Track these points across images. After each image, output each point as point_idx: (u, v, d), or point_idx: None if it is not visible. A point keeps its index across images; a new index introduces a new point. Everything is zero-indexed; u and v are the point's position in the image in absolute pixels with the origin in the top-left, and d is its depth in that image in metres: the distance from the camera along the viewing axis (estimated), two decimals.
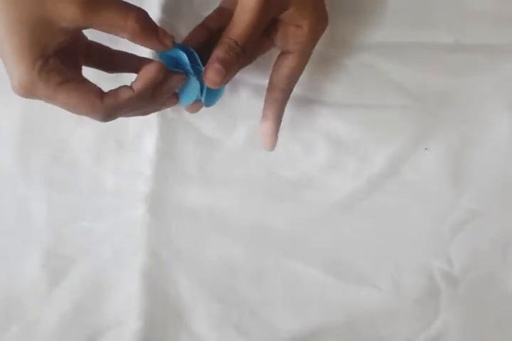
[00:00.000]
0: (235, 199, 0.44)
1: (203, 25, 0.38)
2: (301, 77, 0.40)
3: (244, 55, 0.35)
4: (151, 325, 0.43)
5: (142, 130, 0.43)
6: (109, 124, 0.41)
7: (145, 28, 0.32)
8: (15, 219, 0.43)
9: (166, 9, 0.42)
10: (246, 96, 0.43)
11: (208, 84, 0.35)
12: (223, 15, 0.37)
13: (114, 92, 0.33)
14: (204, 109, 0.40)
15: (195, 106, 0.41)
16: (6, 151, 0.43)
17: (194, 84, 0.36)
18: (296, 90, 0.42)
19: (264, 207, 0.44)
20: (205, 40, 0.38)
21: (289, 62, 0.38)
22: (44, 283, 0.43)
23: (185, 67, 0.35)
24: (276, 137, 0.40)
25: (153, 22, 0.32)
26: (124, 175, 0.43)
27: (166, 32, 0.33)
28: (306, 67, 0.39)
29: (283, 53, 0.38)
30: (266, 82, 0.42)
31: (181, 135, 0.43)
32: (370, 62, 0.44)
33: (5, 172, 0.43)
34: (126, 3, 0.32)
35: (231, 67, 0.34)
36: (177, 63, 0.36)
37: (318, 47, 0.41)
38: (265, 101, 0.39)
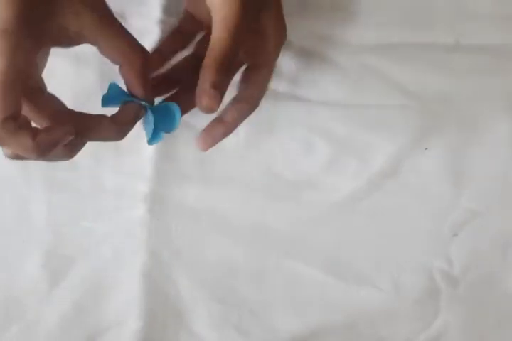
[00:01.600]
0: (235, 199, 0.44)
1: (177, 32, 0.38)
2: (301, 77, 0.40)
3: (233, 72, 0.33)
4: (151, 325, 0.43)
5: (142, 130, 0.43)
6: None
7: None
8: (15, 219, 0.43)
9: (166, 9, 0.42)
10: None
11: (203, 111, 0.32)
12: (194, 21, 0.37)
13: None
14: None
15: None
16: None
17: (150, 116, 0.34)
18: (296, 90, 0.42)
19: (264, 207, 0.44)
20: (181, 47, 0.38)
21: (256, 77, 0.36)
22: (44, 283, 0.43)
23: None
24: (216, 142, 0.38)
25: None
26: (124, 175, 0.43)
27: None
28: (306, 67, 0.39)
29: (250, 68, 0.37)
30: None
31: (181, 135, 0.43)
32: (370, 62, 0.44)
33: (5, 173, 0.43)
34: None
35: (224, 89, 0.32)
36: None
37: (318, 47, 0.41)
38: (230, 107, 0.37)
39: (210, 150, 0.43)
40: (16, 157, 0.31)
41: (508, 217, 0.44)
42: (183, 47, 0.40)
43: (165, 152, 0.43)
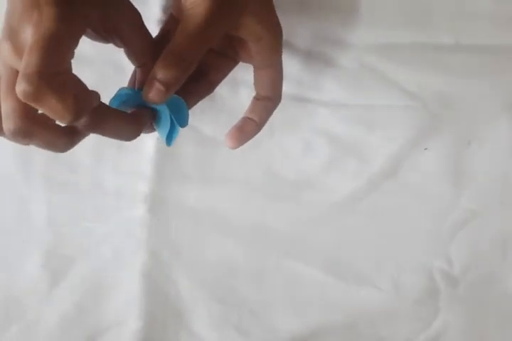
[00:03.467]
0: (235, 199, 0.44)
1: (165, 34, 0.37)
2: (301, 77, 0.40)
3: (188, 69, 0.31)
4: (151, 325, 0.43)
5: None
6: None
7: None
8: (15, 219, 0.44)
9: (166, 9, 0.42)
10: (246, 96, 0.43)
11: (147, 101, 0.32)
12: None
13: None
14: (204, 108, 0.40)
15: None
16: (6, 151, 0.43)
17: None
18: (296, 90, 0.42)
19: (264, 207, 0.44)
20: None
21: (267, 77, 0.36)
22: (44, 283, 0.43)
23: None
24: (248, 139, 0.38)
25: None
26: (124, 175, 0.43)
27: None
28: (306, 67, 0.39)
29: (256, 69, 0.37)
30: None
31: (181, 135, 0.43)
32: (370, 62, 0.44)
33: (5, 172, 0.43)
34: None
35: (174, 85, 0.31)
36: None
37: (318, 47, 0.41)
38: (253, 107, 0.37)
39: (210, 150, 0.44)
40: (19, 134, 0.30)
41: (508, 217, 0.44)
42: None
43: (165, 152, 0.43)
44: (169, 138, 0.36)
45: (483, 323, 0.44)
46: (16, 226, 0.44)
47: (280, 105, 0.43)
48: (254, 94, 0.43)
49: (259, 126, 0.37)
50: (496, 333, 0.44)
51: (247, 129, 0.37)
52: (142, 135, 0.43)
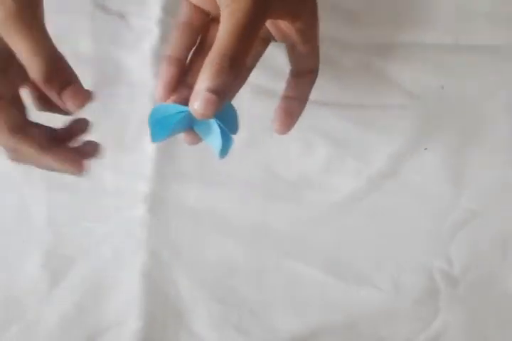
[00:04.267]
0: (235, 199, 0.44)
1: (185, 27, 0.34)
2: None
3: (240, 71, 0.28)
4: (151, 325, 0.43)
5: (142, 130, 0.43)
6: (109, 124, 0.41)
7: (49, 83, 0.29)
8: (15, 219, 0.44)
9: (166, 9, 0.42)
10: (246, 96, 0.43)
11: (195, 115, 0.27)
12: (199, 13, 0.33)
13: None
14: None
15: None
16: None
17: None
18: None
19: (264, 207, 0.44)
20: (193, 42, 0.34)
21: (307, 52, 0.34)
22: (44, 283, 0.43)
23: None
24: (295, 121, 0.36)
25: (63, 77, 0.30)
26: (124, 175, 0.43)
27: None
28: None
29: (293, 46, 0.34)
30: (266, 82, 0.42)
31: (181, 135, 0.43)
32: (370, 62, 0.44)
33: (5, 172, 0.43)
34: (50, 42, 0.29)
35: (227, 92, 0.27)
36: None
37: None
38: (294, 84, 0.36)
39: (211, 150, 0.43)
40: (20, 160, 0.31)
41: (508, 217, 0.44)
42: (195, 41, 0.35)
43: (165, 152, 0.43)
44: (224, 150, 0.32)
45: (483, 323, 0.44)
46: (16, 226, 0.44)
47: None
48: (254, 94, 0.43)
49: (304, 102, 0.35)
50: (496, 333, 0.44)
51: (293, 109, 0.35)
52: (142, 135, 0.43)
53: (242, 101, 0.43)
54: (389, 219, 0.44)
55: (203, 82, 0.27)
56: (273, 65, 0.41)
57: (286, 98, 0.35)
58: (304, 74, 0.36)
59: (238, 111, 0.42)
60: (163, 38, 0.42)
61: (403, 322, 0.44)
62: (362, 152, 0.44)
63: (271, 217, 0.44)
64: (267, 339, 0.43)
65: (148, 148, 0.43)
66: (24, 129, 0.30)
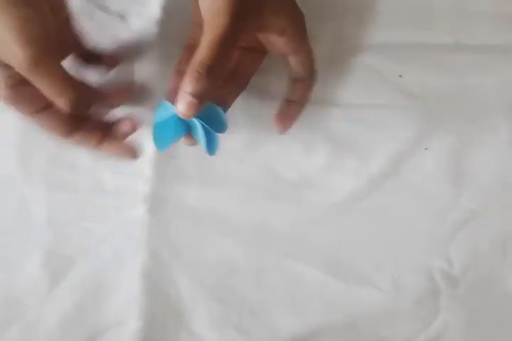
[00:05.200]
0: (235, 199, 0.44)
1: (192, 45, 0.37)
2: None
3: (217, 78, 0.32)
4: (151, 325, 0.43)
5: (142, 130, 0.43)
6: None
7: (75, 111, 0.33)
8: (15, 219, 0.44)
9: (166, 9, 0.42)
10: (246, 96, 0.43)
11: (181, 116, 0.32)
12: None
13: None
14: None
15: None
16: (6, 151, 0.44)
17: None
18: None
19: (264, 207, 0.44)
20: None
21: (298, 61, 0.39)
22: (44, 283, 0.43)
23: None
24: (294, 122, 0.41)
25: (87, 103, 0.34)
26: (124, 175, 0.43)
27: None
28: None
29: (287, 56, 0.39)
30: (265, 82, 0.42)
31: None
32: (370, 62, 0.44)
33: (5, 172, 0.43)
34: (69, 81, 0.33)
35: (204, 96, 0.32)
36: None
37: (318, 47, 0.41)
38: (293, 88, 0.40)
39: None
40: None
41: (508, 217, 0.44)
42: None
43: (165, 152, 0.43)
44: (210, 148, 0.36)
45: (483, 323, 0.44)
46: (16, 226, 0.43)
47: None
48: (253, 94, 0.43)
49: (302, 105, 0.41)
50: (495, 333, 0.44)
51: (291, 112, 0.41)
52: (142, 135, 0.43)
53: (243, 101, 0.43)
54: (389, 219, 0.44)
55: (186, 86, 0.31)
56: (273, 67, 0.41)
57: (285, 101, 0.41)
58: (300, 80, 0.40)
59: (238, 111, 0.43)
60: (163, 38, 0.42)
61: (403, 322, 0.44)
62: (362, 152, 0.44)
63: (271, 217, 0.44)
64: (267, 339, 0.43)
65: (148, 148, 0.43)
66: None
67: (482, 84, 0.44)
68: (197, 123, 0.34)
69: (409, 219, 0.44)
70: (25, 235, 0.43)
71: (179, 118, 0.33)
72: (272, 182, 0.44)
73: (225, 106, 0.38)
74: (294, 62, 0.39)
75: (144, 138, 0.43)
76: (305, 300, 0.44)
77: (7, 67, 0.32)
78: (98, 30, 0.42)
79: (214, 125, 0.35)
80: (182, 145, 0.43)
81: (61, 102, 0.33)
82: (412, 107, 0.44)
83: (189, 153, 0.43)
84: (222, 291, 0.44)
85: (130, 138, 0.41)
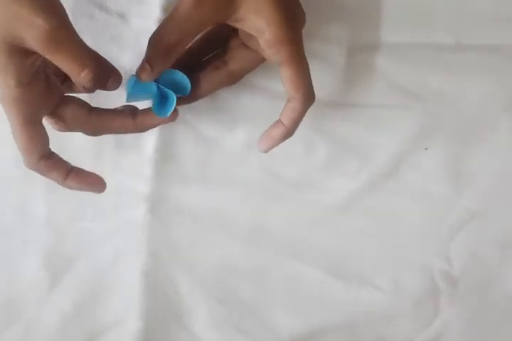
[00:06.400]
0: (235, 199, 0.44)
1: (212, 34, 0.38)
2: None
3: (172, 56, 0.35)
4: (151, 325, 0.43)
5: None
6: None
7: (96, 85, 0.33)
8: (15, 219, 0.43)
9: (166, 9, 0.42)
10: (246, 96, 0.43)
11: (140, 79, 0.35)
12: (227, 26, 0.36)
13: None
14: (204, 108, 0.40)
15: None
16: (6, 151, 0.43)
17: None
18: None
19: (264, 207, 0.44)
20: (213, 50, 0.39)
21: (284, 75, 0.35)
22: (44, 283, 0.43)
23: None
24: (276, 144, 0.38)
25: (106, 77, 0.34)
26: (124, 175, 0.43)
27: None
28: None
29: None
30: (265, 82, 0.42)
31: (181, 135, 0.43)
32: (370, 62, 0.44)
33: (5, 172, 0.43)
34: (90, 52, 0.32)
35: (158, 66, 0.35)
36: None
37: (318, 47, 0.41)
38: (284, 108, 0.37)
39: (210, 150, 0.44)
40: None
41: (508, 217, 0.44)
42: (214, 50, 0.39)
43: (165, 152, 0.43)
44: (162, 109, 0.37)
45: (483, 323, 0.44)
46: (16, 227, 0.43)
47: (281, 105, 0.43)
48: (253, 94, 0.43)
49: (288, 129, 0.36)
50: (495, 333, 0.44)
51: (275, 133, 0.37)
52: (142, 135, 0.43)
53: (242, 101, 0.43)
54: (389, 219, 0.44)
55: (146, 54, 0.34)
56: (273, 66, 0.41)
57: (276, 121, 0.37)
58: (289, 99, 0.36)
59: (239, 111, 0.43)
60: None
61: (403, 322, 0.44)
62: (362, 152, 0.44)
63: (271, 217, 0.44)
64: (267, 339, 0.44)
65: (148, 148, 0.43)
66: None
67: (482, 83, 0.44)
68: (152, 85, 0.37)
69: (409, 219, 0.44)
70: (25, 235, 0.43)
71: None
72: (271, 182, 0.44)
73: (197, 87, 0.38)
74: (281, 75, 0.35)
75: (144, 138, 0.43)
76: (305, 300, 0.44)
77: (22, 53, 0.30)
78: (98, 30, 0.42)
79: (175, 88, 0.37)
80: (182, 145, 0.43)
81: (85, 74, 0.31)
82: (412, 107, 0.44)
83: (189, 153, 0.43)
84: (223, 291, 0.44)
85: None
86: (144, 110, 0.38)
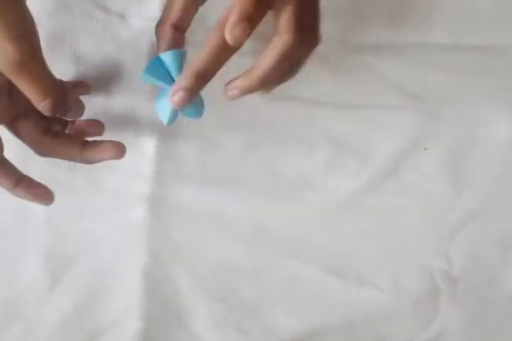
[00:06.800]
0: (235, 199, 0.44)
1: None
2: (301, 77, 0.40)
3: (209, 80, 0.33)
4: (151, 325, 0.43)
5: (142, 130, 0.43)
6: (109, 124, 0.41)
7: (55, 113, 0.34)
8: (15, 219, 0.43)
9: None
10: (247, 97, 0.43)
11: (174, 105, 0.34)
12: None
13: None
14: (204, 109, 0.40)
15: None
16: (5, 152, 0.43)
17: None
18: (296, 90, 0.42)
19: (264, 207, 0.44)
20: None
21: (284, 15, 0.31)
22: (44, 283, 0.43)
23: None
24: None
25: (67, 108, 0.35)
26: (124, 175, 0.43)
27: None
28: (306, 67, 0.39)
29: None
30: None
31: (181, 135, 0.43)
32: (370, 62, 0.44)
33: None
34: (55, 82, 0.33)
35: (194, 92, 0.33)
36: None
37: (318, 47, 0.40)
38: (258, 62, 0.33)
39: (210, 150, 0.43)
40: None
41: (508, 217, 0.44)
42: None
43: (165, 152, 0.43)
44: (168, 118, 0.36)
45: (483, 323, 0.44)
46: (16, 226, 0.43)
47: (280, 105, 0.44)
48: (253, 94, 0.43)
49: (258, 76, 0.33)
50: (495, 333, 0.44)
51: (242, 81, 0.34)
52: (142, 135, 0.43)
53: (242, 102, 0.43)
54: (389, 219, 0.44)
55: (180, 80, 0.33)
56: None
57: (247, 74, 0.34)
58: (273, 38, 0.31)
59: (239, 111, 0.43)
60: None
61: (403, 322, 0.44)
62: (362, 152, 0.44)
63: (271, 216, 0.44)
64: (267, 339, 0.44)
65: (148, 147, 0.43)
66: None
67: (482, 83, 0.44)
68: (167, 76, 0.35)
69: (409, 219, 0.44)
70: (25, 235, 0.43)
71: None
72: (272, 182, 0.44)
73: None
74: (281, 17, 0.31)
75: (144, 138, 0.43)
76: (305, 300, 0.44)
77: None
78: (98, 30, 0.42)
79: (191, 111, 0.36)
80: (182, 145, 0.43)
81: (45, 103, 0.33)
82: (412, 107, 0.44)
83: (189, 153, 0.43)
84: (223, 291, 0.44)
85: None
86: (94, 143, 0.38)
